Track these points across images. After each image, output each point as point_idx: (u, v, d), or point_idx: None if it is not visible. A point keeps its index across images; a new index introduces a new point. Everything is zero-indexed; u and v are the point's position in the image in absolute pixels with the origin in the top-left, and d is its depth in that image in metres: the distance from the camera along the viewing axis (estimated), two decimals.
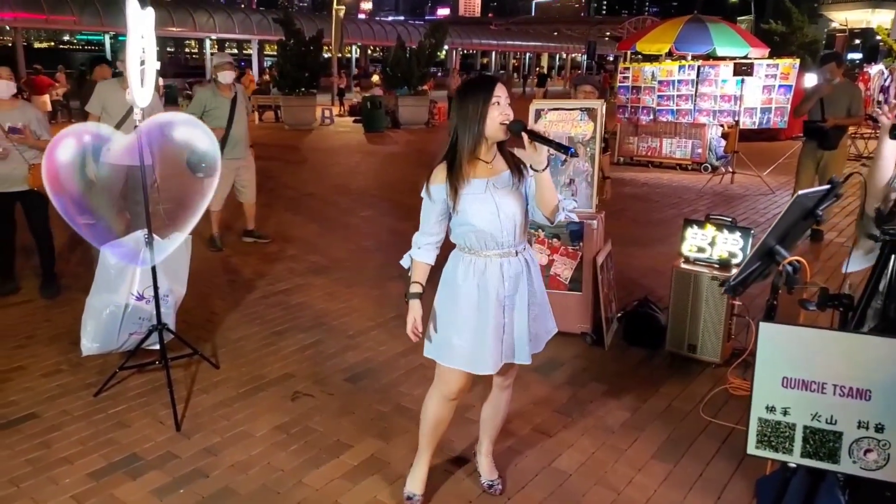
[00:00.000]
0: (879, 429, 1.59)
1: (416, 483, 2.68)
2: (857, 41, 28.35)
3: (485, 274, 2.35)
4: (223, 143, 5.96)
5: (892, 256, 1.70)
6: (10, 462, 2.90)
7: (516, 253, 2.37)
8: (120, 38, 23.27)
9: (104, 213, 3.41)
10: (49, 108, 15.73)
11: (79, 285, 4.92)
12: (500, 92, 2.24)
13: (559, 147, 2.11)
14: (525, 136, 2.18)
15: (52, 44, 50.32)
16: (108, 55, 21.45)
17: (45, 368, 3.79)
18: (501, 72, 40.91)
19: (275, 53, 20.10)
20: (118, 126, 4.68)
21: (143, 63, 3.17)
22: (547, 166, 2.24)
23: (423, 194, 2.37)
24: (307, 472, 2.88)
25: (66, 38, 49.38)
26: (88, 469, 2.86)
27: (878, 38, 20.72)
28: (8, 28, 24.23)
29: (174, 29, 25.72)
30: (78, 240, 5.37)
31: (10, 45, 30.07)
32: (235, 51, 41.80)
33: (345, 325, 4.52)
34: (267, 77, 22.48)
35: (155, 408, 3.36)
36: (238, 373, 3.79)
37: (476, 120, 2.23)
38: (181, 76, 29.10)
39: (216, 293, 5.08)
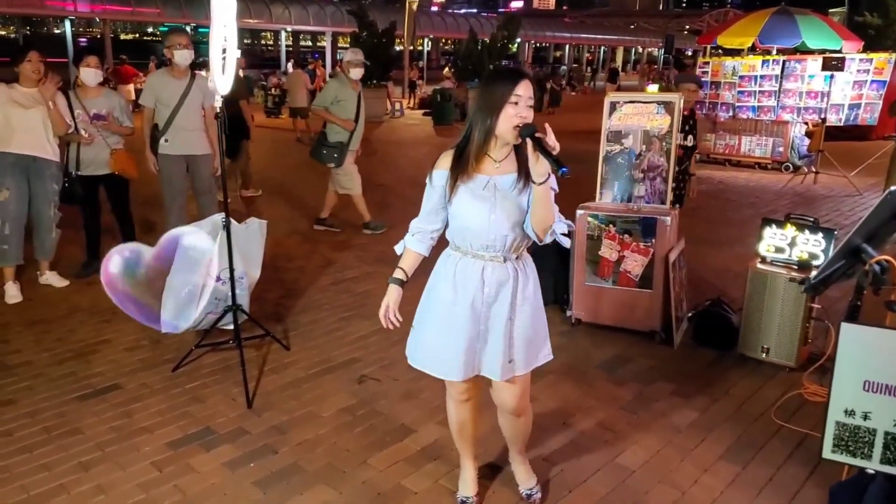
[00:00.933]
0: None
1: (466, 486, 2.64)
2: None
3: (465, 274, 2.25)
4: (352, 134, 6.29)
5: None
6: (97, 428, 3.10)
7: (504, 259, 2.23)
8: (200, 29, 24.21)
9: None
10: (133, 96, 16.55)
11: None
12: (523, 91, 2.07)
13: (555, 161, 1.94)
14: (529, 142, 2.00)
15: (137, 35, 52.55)
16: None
17: (127, 343, 4.02)
18: (575, 65, 40.30)
19: (347, 45, 20.49)
20: (173, 114, 4.83)
21: (224, 51, 3.29)
22: (545, 181, 2.04)
23: (427, 179, 2.28)
24: (372, 453, 2.95)
25: (150, 29, 51.48)
26: (166, 439, 3.02)
27: None
28: (97, 20, 25.61)
29: (251, 20, 26.55)
30: (157, 224, 5.66)
31: (98, 36, 31.74)
32: (309, 42, 42.76)
33: (409, 314, 4.51)
34: (339, 69, 22.95)
35: (227, 385, 3.51)
36: (307, 355, 3.91)
37: (490, 115, 2.10)
38: (256, 67, 29.99)
39: (288, 278, 5.25)
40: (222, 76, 3.31)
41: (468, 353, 2.28)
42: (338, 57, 30.76)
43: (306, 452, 2.95)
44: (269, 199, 8.14)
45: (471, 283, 2.24)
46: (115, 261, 3.70)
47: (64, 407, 3.28)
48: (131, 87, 17.30)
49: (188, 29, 26.95)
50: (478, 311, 2.25)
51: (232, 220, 3.56)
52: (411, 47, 23.48)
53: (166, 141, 4.93)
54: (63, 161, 4.79)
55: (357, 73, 6.34)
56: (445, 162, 2.24)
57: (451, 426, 2.58)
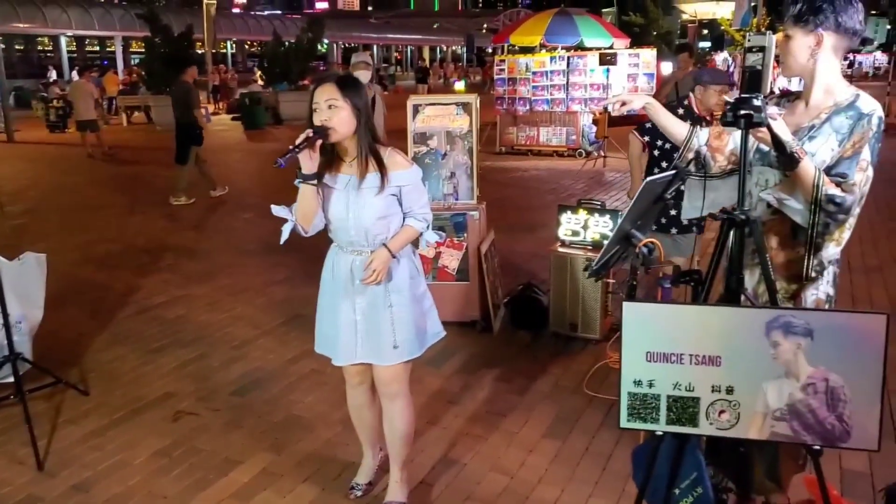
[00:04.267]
0: (730, 391, 1.71)
1: (360, 473, 2.77)
2: (706, 31, 30.71)
3: (337, 265, 2.43)
4: None
5: (731, 233, 1.84)
6: None
7: (372, 252, 2.36)
8: None
9: None
10: None
11: None
12: (320, 96, 2.22)
13: (309, 140, 2.15)
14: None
15: None
16: None
17: None
18: (384, 64, 40.75)
19: (142, 51, 19.01)
20: None
21: None
22: (311, 177, 2.23)
23: None
24: (193, 495, 2.74)
25: None
26: None
27: (722, 28, 22.57)
28: None
29: (21, 25, 23.62)
30: None
31: None
32: (98, 48, 38.92)
33: (229, 336, 4.34)
34: (134, 77, 21.13)
35: (12, 447, 3.06)
36: (111, 397, 3.54)
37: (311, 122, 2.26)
38: (35, 77, 26.76)
39: (83, 312, 4.71)
40: None
41: (348, 338, 2.41)
42: (131, 62, 28.39)
43: None
44: (57, 225, 7.27)
45: (342, 274, 2.40)
46: None
47: None
48: None
49: None
50: (351, 300, 2.39)
51: (1, 258, 3.12)
52: (213, 50, 22.30)
53: None
54: None
55: (363, 75, 5.85)
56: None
57: (350, 412, 2.70)
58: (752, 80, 1.71)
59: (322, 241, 2.50)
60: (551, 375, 3.74)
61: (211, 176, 8.69)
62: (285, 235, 2.37)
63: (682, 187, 2.22)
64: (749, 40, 1.73)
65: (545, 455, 3.00)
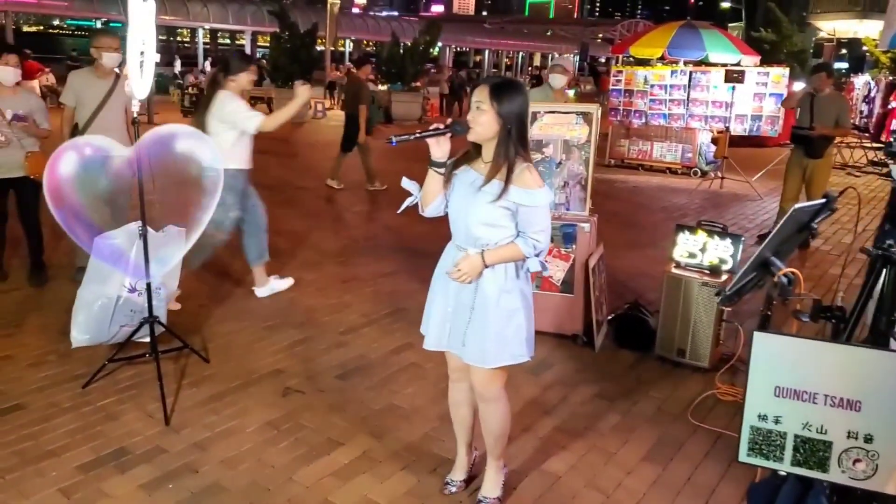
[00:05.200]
0: (868, 439, 1.62)
1: (454, 470, 2.81)
2: (844, 51, 28.62)
3: (447, 255, 2.51)
4: None
5: (885, 270, 1.73)
6: None
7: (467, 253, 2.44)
8: (112, 24, 23.10)
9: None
10: (38, 92, 15.60)
11: (66, 274, 4.90)
12: (474, 96, 2.33)
13: (436, 132, 2.30)
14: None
15: (42, 28, 49.43)
16: None
17: (32, 358, 3.75)
18: (493, 70, 40.90)
19: (268, 45, 20.08)
20: (94, 114, 4.65)
21: (142, 54, 3.16)
22: (438, 165, 2.38)
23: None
24: (297, 468, 2.88)
25: (56, 22, 48.65)
26: (76, 462, 2.84)
27: (865, 48, 20.99)
28: None
29: (167, 17, 25.56)
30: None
31: None
32: (228, 41, 41.49)
33: (336, 322, 4.52)
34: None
35: (144, 401, 3.34)
36: (228, 367, 3.78)
37: None
38: (172, 65, 28.93)
39: (206, 287, 5.05)
40: (140, 79, 3.16)
41: (439, 324, 2.51)
42: (257, 56, 30.05)
43: (229, 470, 2.84)
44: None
45: (447, 265, 2.48)
46: (67, 158, 2.83)
47: None
48: (36, 83, 16.27)
49: (98, 24, 25.66)
50: (446, 291, 2.48)
51: (149, 228, 3.40)
52: (332, 48, 23.21)
53: None
54: None
55: (557, 79, 6.06)
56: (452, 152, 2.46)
57: (449, 407, 2.75)
58: None
59: (431, 240, 2.58)
60: (654, 399, 3.64)
61: (338, 168, 9.01)
62: (404, 206, 2.53)
63: None
64: None
65: (644, 478, 2.93)
